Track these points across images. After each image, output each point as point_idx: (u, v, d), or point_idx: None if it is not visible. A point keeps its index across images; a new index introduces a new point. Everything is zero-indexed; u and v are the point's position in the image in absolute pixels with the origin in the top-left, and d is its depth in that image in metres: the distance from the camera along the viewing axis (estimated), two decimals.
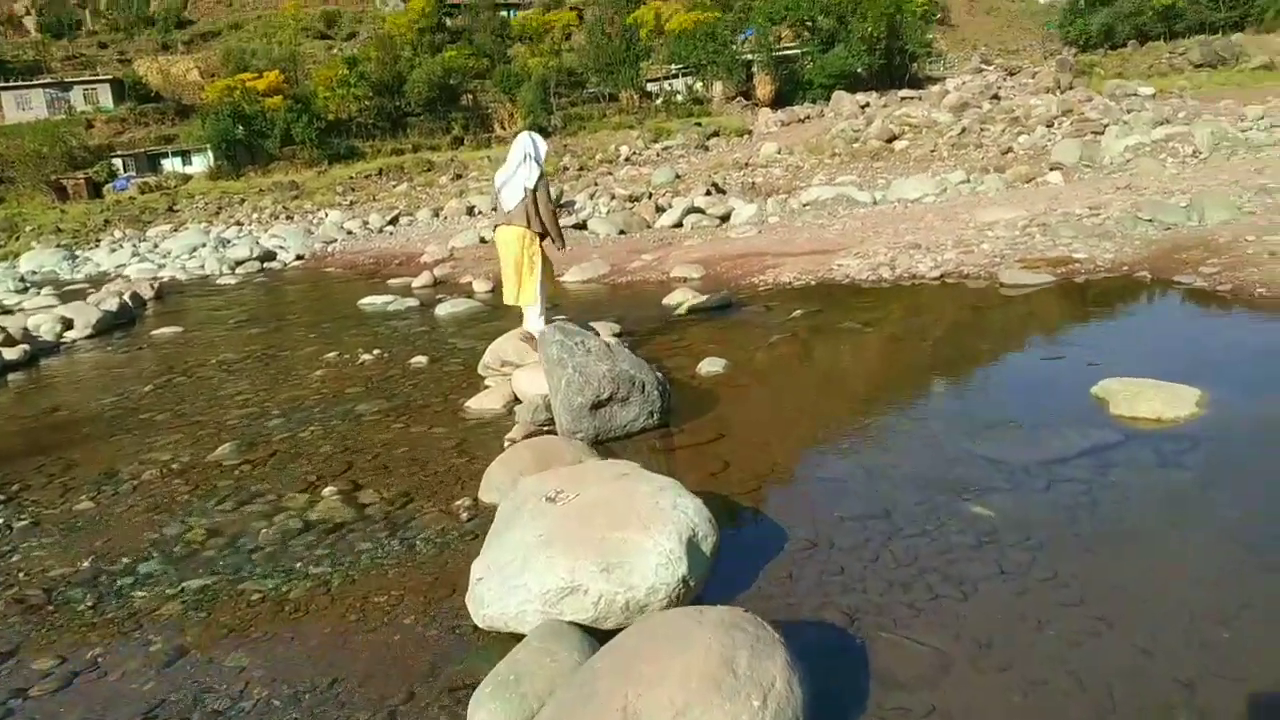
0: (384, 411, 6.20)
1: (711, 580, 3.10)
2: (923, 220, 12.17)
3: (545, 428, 5.31)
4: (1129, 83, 31.40)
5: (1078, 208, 11.12)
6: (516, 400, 5.93)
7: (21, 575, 3.99)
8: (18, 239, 33.42)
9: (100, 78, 54.89)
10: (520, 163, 6.95)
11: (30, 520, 4.71)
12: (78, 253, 27.49)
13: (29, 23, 61.70)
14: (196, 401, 7.18)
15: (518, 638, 2.90)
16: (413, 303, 11.26)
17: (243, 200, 37.56)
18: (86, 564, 4.09)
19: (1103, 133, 20.06)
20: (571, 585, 2.85)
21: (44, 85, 53.58)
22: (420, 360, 7.69)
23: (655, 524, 2.96)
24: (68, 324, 11.55)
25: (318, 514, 4.40)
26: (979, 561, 3.18)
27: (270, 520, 4.39)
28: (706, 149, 33.66)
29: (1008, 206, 11.96)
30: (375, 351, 8.25)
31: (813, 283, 9.43)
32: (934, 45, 49.31)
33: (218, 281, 17.33)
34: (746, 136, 34.98)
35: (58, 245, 29.86)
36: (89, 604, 3.67)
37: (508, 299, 7.27)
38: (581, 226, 17.31)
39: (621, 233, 16.33)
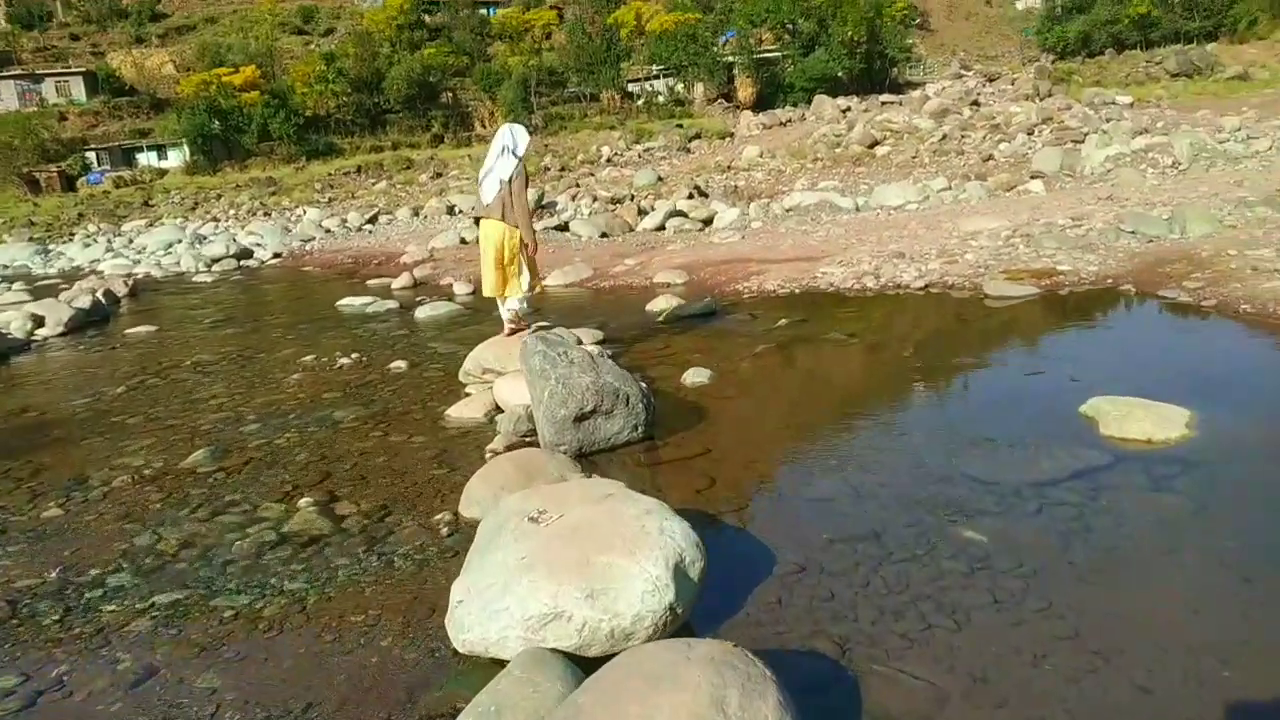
0: (362, 419, 6.09)
1: (699, 605, 3.03)
2: (906, 228, 12.17)
3: (527, 439, 5.22)
4: (1107, 91, 31.71)
5: (1060, 218, 11.15)
6: (498, 409, 5.84)
7: None
8: None
9: (73, 70, 54.05)
10: (499, 155, 6.87)
11: None
12: (50, 247, 27.03)
13: None
14: (170, 404, 7.02)
15: (499, 664, 2.81)
16: (392, 304, 11.12)
17: (219, 196, 37.15)
18: (54, 575, 3.96)
19: (1083, 141, 20.20)
20: (555, 611, 2.77)
21: (14, 77, 52.70)
22: (400, 365, 7.56)
23: (641, 549, 2.88)
24: (39, 321, 11.31)
25: (294, 526, 4.29)
26: (972, 589, 3.12)
27: (244, 532, 4.27)
28: (688, 151, 33.63)
29: (991, 216, 11.98)
30: (354, 355, 8.12)
31: (797, 291, 9.38)
32: (913, 50, 49.55)
33: (194, 279, 17.08)
34: (728, 139, 34.97)
35: (30, 239, 29.36)
36: (55, 618, 3.54)
37: (485, 291, 7.18)
38: (564, 228, 17.21)
39: (604, 235, 16.24)
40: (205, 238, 24.32)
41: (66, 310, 11.59)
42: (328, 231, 23.74)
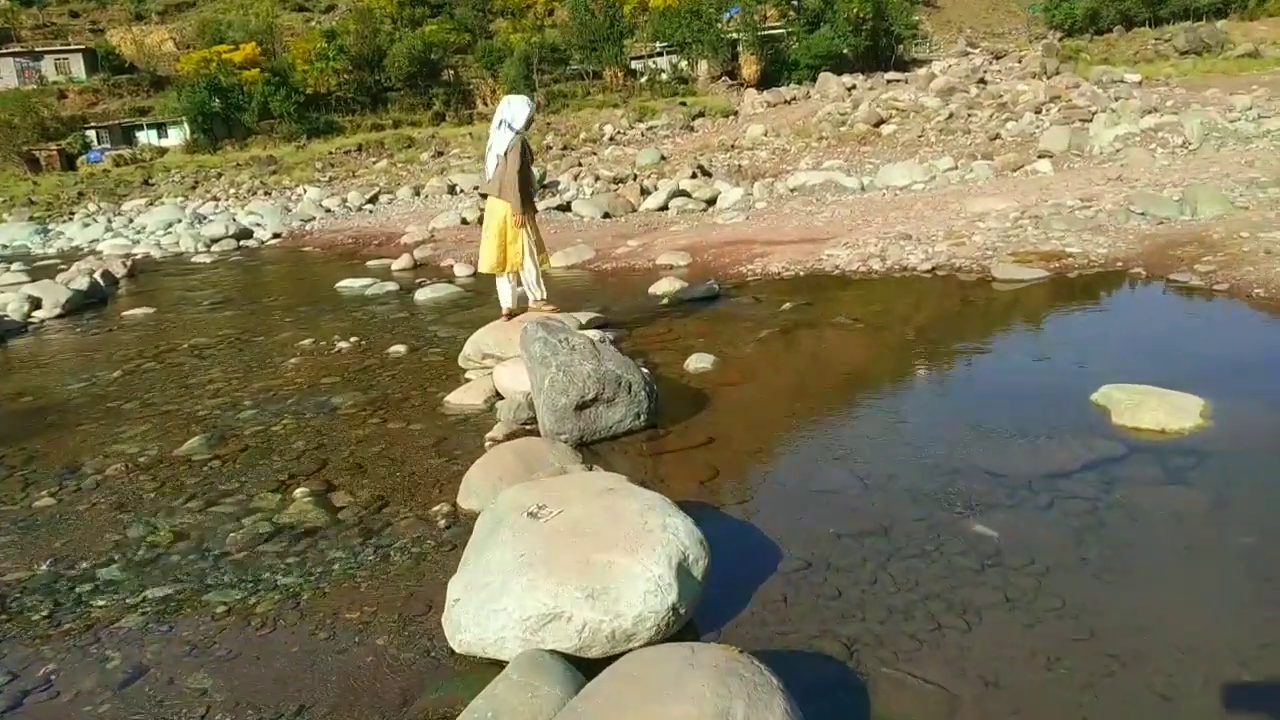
0: (360, 405, 6.00)
1: (702, 604, 2.94)
2: (913, 209, 12.01)
3: (527, 426, 5.13)
4: (1115, 69, 31.37)
5: (1069, 199, 11.00)
6: (498, 396, 5.74)
7: None
8: None
9: (72, 47, 53.64)
10: (497, 129, 6.79)
11: None
12: (50, 226, 26.88)
13: None
14: (166, 389, 6.94)
15: (497, 664, 2.73)
16: (392, 286, 11.01)
17: (220, 175, 36.91)
18: (44, 568, 3.89)
19: (1091, 120, 19.94)
20: (554, 612, 2.68)
21: (13, 54, 52.30)
22: (399, 349, 7.47)
23: (643, 547, 2.80)
24: (36, 303, 11.22)
25: (289, 517, 4.21)
26: (983, 587, 3.04)
27: (239, 523, 4.20)
28: (692, 129, 33.31)
29: (998, 197, 11.82)
30: (352, 339, 8.02)
31: (802, 273, 9.26)
32: (919, 27, 49.04)
33: (193, 259, 16.95)
34: (732, 117, 34.64)
35: (30, 218, 29.23)
36: (44, 613, 3.47)
37: (481, 266, 7.16)
38: (565, 209, 17.05)
39: (606, 216, 16.09)
40: (205, 217, 24.17)
41: (64, 292, 11.49)
42: (328, 211, 23.56)
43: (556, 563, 2.79)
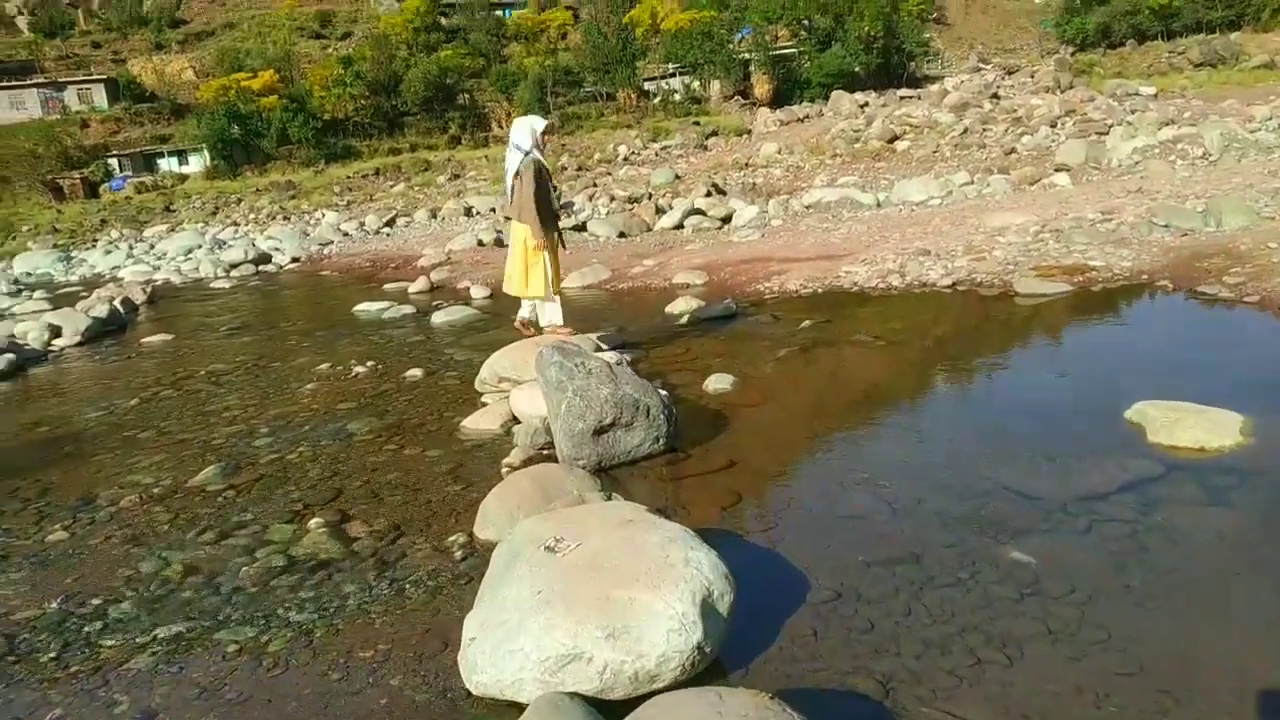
0: (376, 431, 5.92)
1: (728, 639, 2.82)
2: (930, 224, 11.89)
3: (545, 451, 5.03)
4: (1129, 82, 31.16)
5: (1090, 212, 10.84)
6: (514, 420, 5.65)
7: None
8: (14, 239, 33.02)
9: (94, 77, 54.42)
10: (510, 152, 6.80)
11: None
12: (73, 253, 27.18)
13: (21, 22, 61.18)
14: (183, 417, 6.89)
15: (515, 707, 2.63)
16: (409, 310, 10.97)
17: (239, 200, 37.21)
18: (55, 605, 3.81)
19: (1107, 133, 19.78)
20: (574, 652, 2.57)
21: (37, 85, 53.09)
22: (415, 373, 7.40)
23: (665, 582, 2.68)
24: (56, 331, 11.26)
25: (303, 549, 4.13)
26: (1023, 618, 2.90)
27: (253, 555, 4.11)
28: (705, 148, 33.33)
29: (1017, 211, 11.68)
30: (369, 363, 7.97)
31: (820, 290, 9.15)
32: (931, 44, 48.99)
33: (212, 285, 17.03)
34: (745, 136, 34.63)
35: (54, 245, 29.55)
36: (53, 654, 3.39)
37: (506, 288, 7.23)
38: (581, 228, 17.02)
39: (621, 235, 16.05)
40: (224, 243, 24.33)
41: (83, 320, 11.53)
42: (345, 235, 23.68)
43: (575, 600, 2.68)
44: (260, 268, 19.07)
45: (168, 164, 48.31)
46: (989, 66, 43.08)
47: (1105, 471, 3.96)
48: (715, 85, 45.37)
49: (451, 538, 4.03)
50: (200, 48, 59.94)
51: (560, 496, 4.00)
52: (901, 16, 44.52)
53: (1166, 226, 9.53)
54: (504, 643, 2.68)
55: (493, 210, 24.56)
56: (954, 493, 3.92)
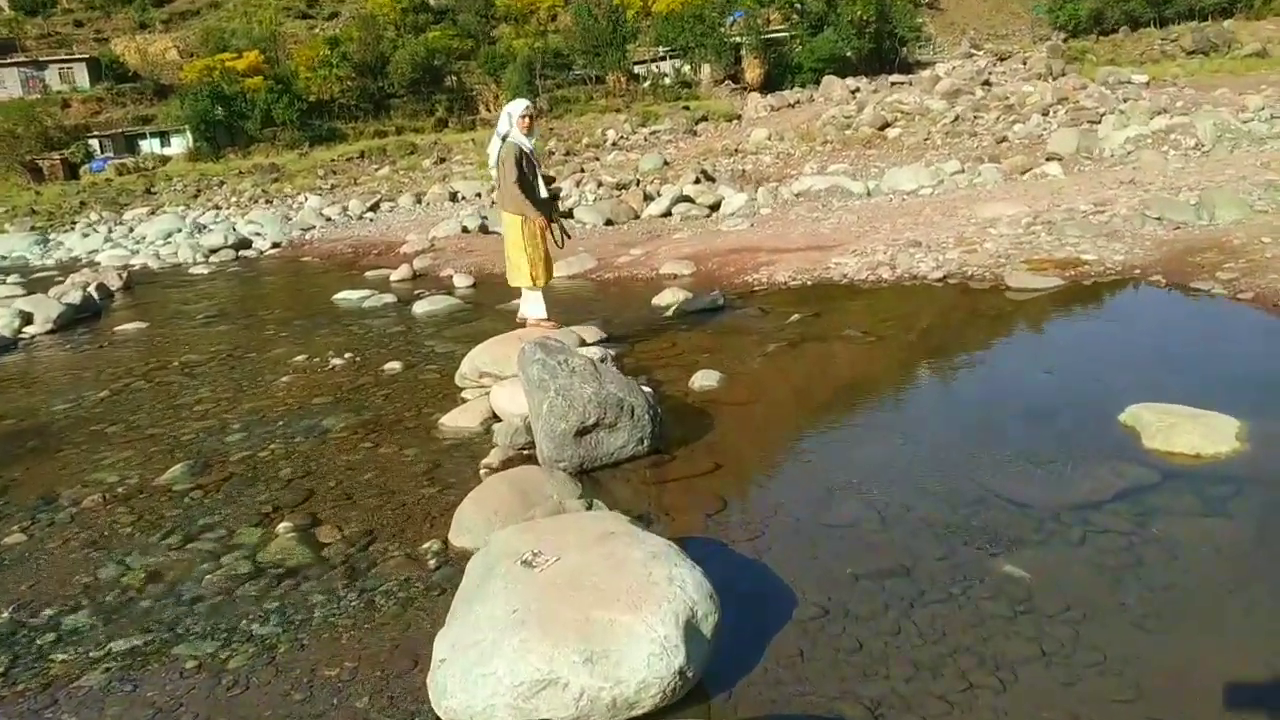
0: (352, 427, 5.76)
1: (711, 661, 2.69)
2: (921, 214, 11.76)
3: (525, 452, 4.89)
4: (1122, 70, 31.05)
5: (1082, 203, 10.73)
6: (495, 418, 5.50)
7: None
8: None
9: (76, 57, 53.73)
10: (493, 139, 6.68)
11: None
12: (50, 236, 26.76)
13: (2, 0, 60.26)
14: (153, 411, 6.71)
15: None
16: (390, 299, 10.77)
17: (222, 183, 36.77)
18: (6, 614, 3.64)
19: (1099, 122, 19.68)
20: (549, 677, 2.43)
21: (18, 64, 52.41)
22: (394, 366, 7.23)
23: (647, 603, 2.55)
24: (27, 319, 10.99)
25: (270, 555, 3.97)
26: (1016, 638, 2.78)
27: (217, 561, 3.95)
28: (695, 134, 33.06)
29: (1009, 201, 11.56)
30: (347, 355, 7.79)
31: (809, 282, 9.01)
32: (923, 29, 48.78)
33: (190, 271, 16.75)
34: (735, 121, 34.37)
35: (31, 228, 29.10)
36: (0, 669, 3.22)
37: (509, 279, 7.11)
38: (568, 215, 16.81)
39: (609, 222, 15.86)
40: (205, 227, 23.97)
41: (56, 307, 11.27)
42: (328, 220, 23.37)
43: (552, 620, 2.54)
44: (240, 253, 18.79)
45: (149, 145, 47.79)
46: (981, 52, 42.87)
47: (1099, 479, 3.84)
48: (706, 69, 45.10)
49: (425, 544, 3.88)
50: (184, 27, 59.23)
51: (540, 503, 3.85)
52: (894, 1, 44.28)
53: (1159, 219, 9.43)
54: (476, 666, 2.53)
55: (478, 195, 24.32)
56: (944, 500, 3.80)
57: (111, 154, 46.00)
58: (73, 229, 28.59)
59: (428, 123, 46.04)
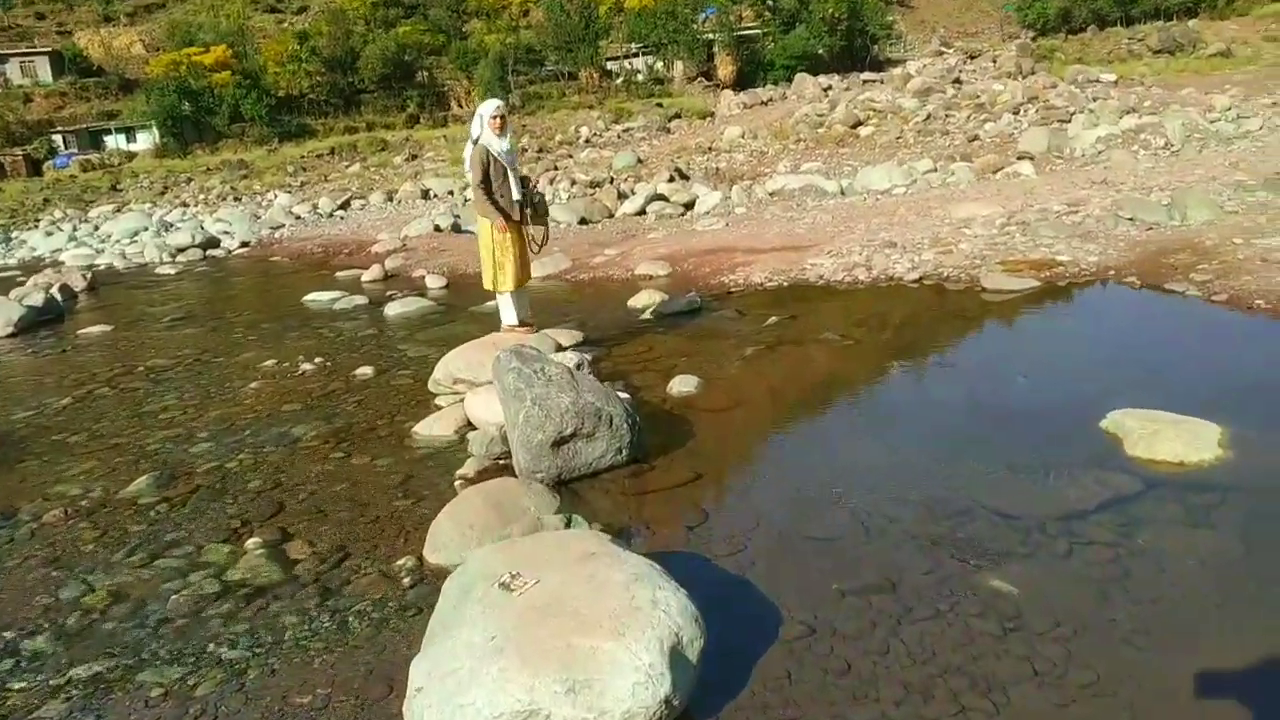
0: (323, 436, 5.63)
1: (697, 684, 2.61)
2: (895, 214, 11.76)
3: (501, 461, 4.79)
4: (1090, 68, 31.32)
5: (1055, 204, 10.77)
6: (469, 426, 5.39)
7: None
8: None
9: (38, 50, 52.66)
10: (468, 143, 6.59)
11: None
12: (13, 234, 26.22)
13: None
14: (117, 419, 6.53)
15: None
16: (361, 300, 10.60)
17: (189, 180, 36.18)
18: None
19: (1069, 121, 19.83)
20: (530, 708, 2.35)
21: None
22: (366, 371, 7.10)
23: (631, 629, 2.47)
24: None
25: (239, 573, 3.85)
26: (1007, 658, 2.73)
27: (184, 580, 3.83)
28: (668, 131, 32.98)
29: (983, 201, 11.58)
30: (317, 360, 7.64)
31: (785, 284, 8.96)
32: (894, 27, 49.00)
33: (157, 271, 16.43)
34: (709, 119, 34.35)
35: None
36: None
37: (484, 283, 6.92)
38: (540, 216, 16.65)
39: (583, 221, 15.75)
40: (172, 225, 23.53)
41: (17, 309, 11.00)
42: (298, 218, 23.03)
43: (532, 648, 2.46)
44: (208, 252, 18.46)
45: (115, 141, 46.94)
46: (951, 50, 43.10)
47: (1084, 488, 3.81)
48: (679, 66, 45.03)
49: (400, 561, 3.78)
50: (150, 20, 58.25)
51: (517, 518, 3.76)
52: None
53: (1132, 220, 9.48)
54: (454, 695, 2.44)
55: (450, 193, 24.10)
56: (929, 511, 3.75)
57: (76, 150, 45.17)
58: (36, 227, 28.02)
59: (399, 119, 45.57)
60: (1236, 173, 11.47)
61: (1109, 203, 10.35)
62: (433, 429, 5.47)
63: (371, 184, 29.14)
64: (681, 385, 5.78)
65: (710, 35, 44.81)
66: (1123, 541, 3.37)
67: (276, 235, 20.03)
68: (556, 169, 25.26)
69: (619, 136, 32.86)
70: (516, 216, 6.65)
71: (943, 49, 44.30)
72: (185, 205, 30.01)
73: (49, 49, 52.90)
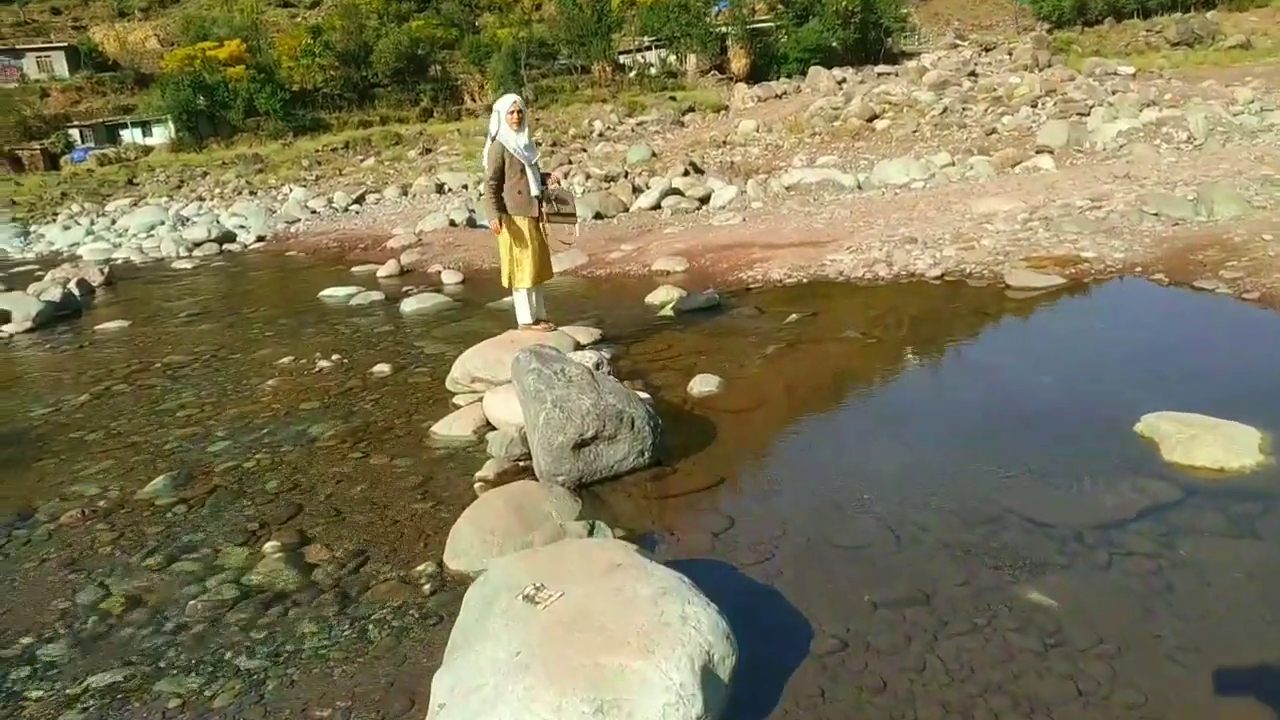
0: (340, 435, 5.57)
1: (729, 702, 2.53)
2: (915, 209, 11.62)
3: (521, 463, 4.72)
4: (1108, 61, 30.99)
5: (1078, 199, 10.62)
6: (488, 426, 5.32)
7: None
8: None
9: (54, 45, 52.81)
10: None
11: None
12: (31, 228, 26.33)
13: None
14: (135, 417, 6.50)
15: None
16: (377, 296, 10.55)
17: (205, 174, 36.24)
18: None
19: (1088, 114, 19.59)
20: None
21: None
22: (383, 369, 7.04)
23: (661, 646, 2.39)
24: (5, 317, 10.74)
25: (257, 577, 3.80)
26: (1049, 676, 2.64)
27: (202, 584, 3.78)
28: (682, 124, 32.84)
29: (1004, 196, 11.44)
30: (335, 356, 7.59)
31: (805, 280, 8.86)
32: (907, 20, 48.58)
33: (174, 265, 16.44)
34: (723, 112, 34.18)
35: (12, 219, 28.60)
36: None
37: (502, 280, 6.83)
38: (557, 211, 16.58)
39: (598, 216, 15.65)
40: (188, 219, 23.59)
41: (35, 304, 11.01)
42: (313, 212, 23.01)
43: (559, 666, 2.38)
44: (224, 247, 18.45)
45: (131, 135, 47.02)
46: (965, 43, 42.76)
47: (1121, 495, 3.71)
48: (692, 59, 44.82)
49: (419, 567, 3.71)
50: (165, 15, 58.36)
51: (538, 524, 3.69)
52: None
53: (1157, 215, 9.33)
54: (478, 714, 2.37)
55: (464, 187, 24.05)
56: (961, 519, 3.65)
57: (92, 144, 45.31)
58: (54, 221, 28.11)
59: (412, 113, 45.53)
60: (1262, 167, 11.29)
61: (1133, 198, 10.19)
62: (451, 429, 5.40)
63: (386, 178, 29.13)
64: (702, 385, 5.69)
65: (723, 28, 44.56)
66: (1164, 552, 3.27)
67: (292, 230, 20.02)
68: (571, 163, 25.17)
69: (632, 130, 32.73)
70: (535, 213, 6.56)
71: (957, 42, 43.94)
72: (201, 199, 30.04)
73: (65, 44, 53.05)
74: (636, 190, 17.41)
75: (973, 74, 30.02)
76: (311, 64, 46.66)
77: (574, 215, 6.97)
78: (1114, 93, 22.82)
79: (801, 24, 43.00)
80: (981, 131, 20.59)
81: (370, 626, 3.30)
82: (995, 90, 25.54)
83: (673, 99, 38.00)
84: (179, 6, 58.95)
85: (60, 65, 52.10)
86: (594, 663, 2.37)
